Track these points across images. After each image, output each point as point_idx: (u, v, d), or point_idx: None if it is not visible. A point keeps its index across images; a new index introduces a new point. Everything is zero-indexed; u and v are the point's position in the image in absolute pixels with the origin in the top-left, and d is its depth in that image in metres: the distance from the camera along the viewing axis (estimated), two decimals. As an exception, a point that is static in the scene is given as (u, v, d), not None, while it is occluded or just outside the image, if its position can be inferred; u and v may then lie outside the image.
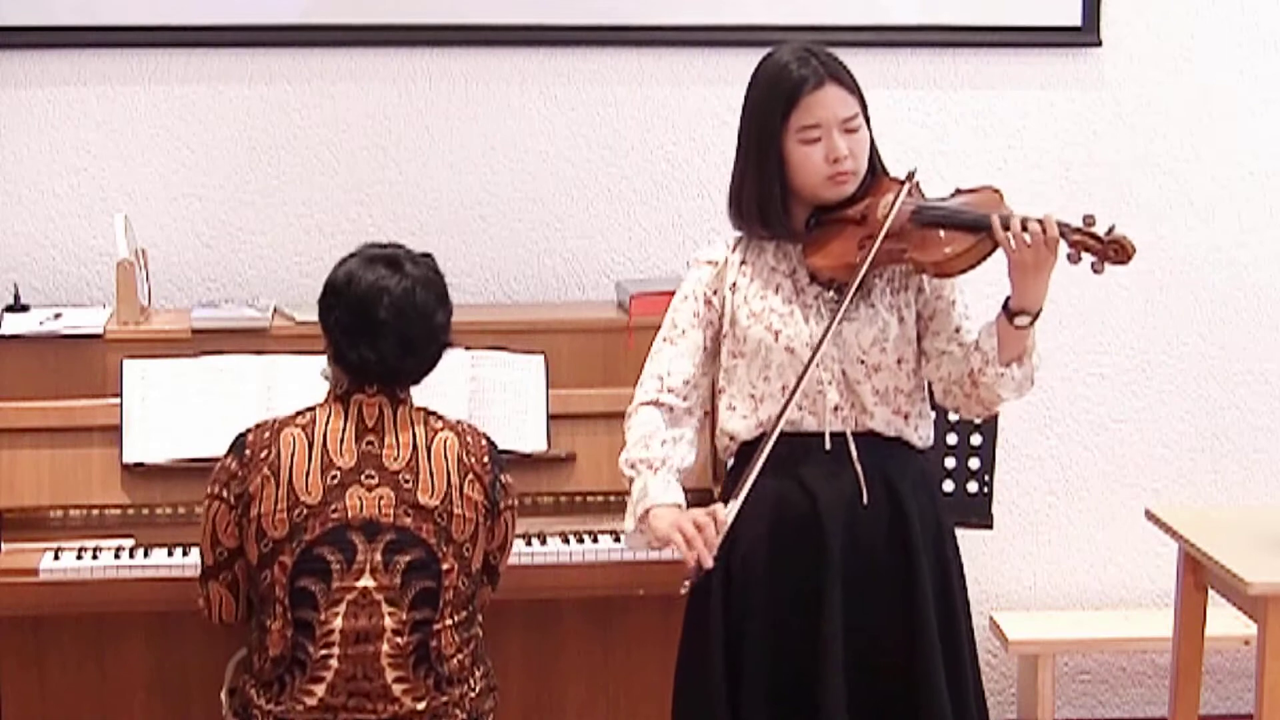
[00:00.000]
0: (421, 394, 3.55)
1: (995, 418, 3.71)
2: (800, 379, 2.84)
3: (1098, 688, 4.52)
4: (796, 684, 2.87)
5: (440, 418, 3.04)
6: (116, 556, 3.43)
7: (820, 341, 2.84)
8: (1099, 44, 4.29)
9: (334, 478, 2.91)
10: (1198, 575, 3.50)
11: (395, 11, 4.12)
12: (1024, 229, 2.75)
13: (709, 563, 2.75)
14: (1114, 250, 2.76)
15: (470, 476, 2.98)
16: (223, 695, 3.12)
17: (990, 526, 3.80)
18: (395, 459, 2.94)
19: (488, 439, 3.07)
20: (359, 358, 2.94)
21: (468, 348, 3.67)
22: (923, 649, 2.87)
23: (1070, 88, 4.33)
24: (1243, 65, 4.36)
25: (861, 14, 4.22)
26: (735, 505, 2.80)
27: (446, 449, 2.98)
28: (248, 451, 2.95)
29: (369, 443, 2.94)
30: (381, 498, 2.91)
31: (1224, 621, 3.92)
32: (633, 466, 2.91)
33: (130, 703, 3.66)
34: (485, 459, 3.02)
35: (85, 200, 4.11)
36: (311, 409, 2.99)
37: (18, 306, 3.87)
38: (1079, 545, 4.45)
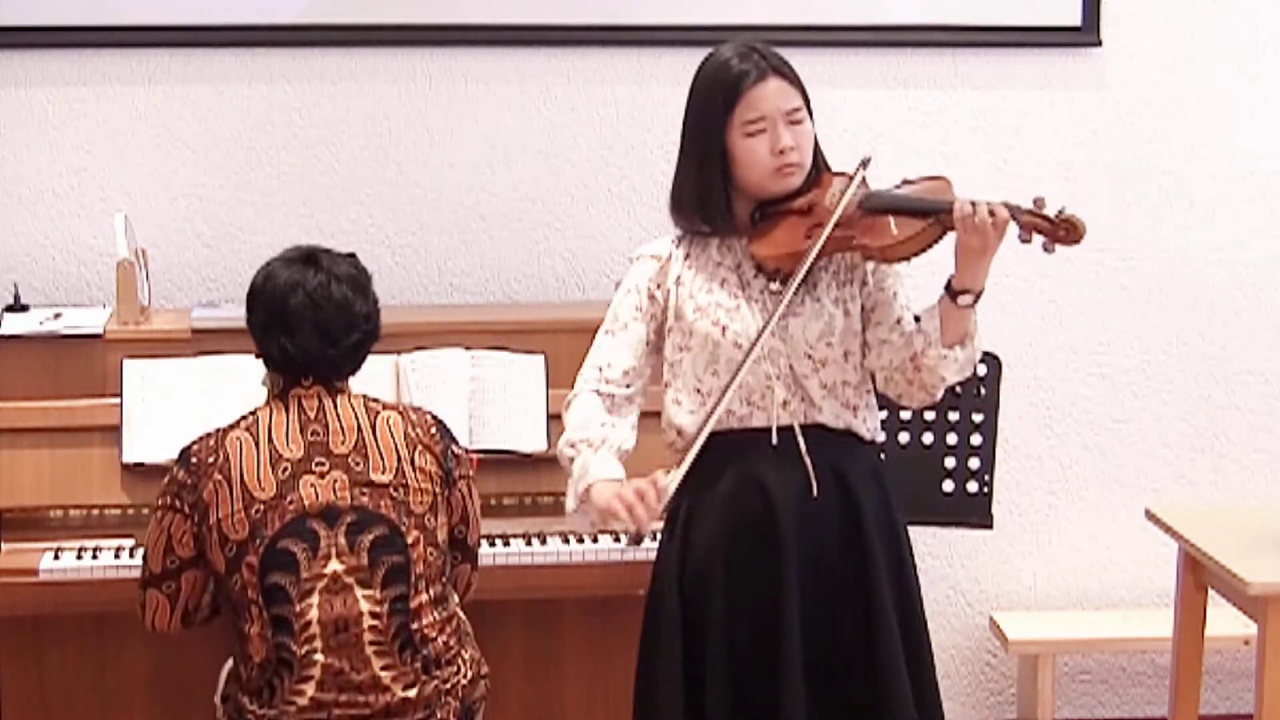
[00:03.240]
0: (423, 394, 3.56)
1: (995, 417, 3.71)
2: (736, 372, 2.82)
3: (1098, 688, 4.52)
4: (757, 686, 2.86)
5: (380, 401, 3.06)
6: (116, 556, 3.42)
7: (763, 330, 2.83)
8: (1099, 44, 4.29)
9: (285, 470, 2.93)
10: (1198, 575, 3.50)
11: (395, 11, 4.12)
12: (975, 213, 2.75)
13: (647, 530, 2.74)
14: (1065, 230, 2.73)
15: (419, 448, 3.00)
16: (216, 700, 3.12)
17: (990, 526, 3.79)
18: (342, 443, 2.96)
19: (433, 415, 3.09)
20: (278, 349, 2.97)
21: (468, 348, 3.67)
22: (882, 643, 2.86)
23: (1070, 88, 4.33)
24: (1243, 65, 4.36)
25: (861, 14, 4.21)
26: (677, 474, 2.79)
27: (391, 426, 3.00)
28: (194, 460, 2.96)
29: (314, 432, 2.96)
30: (335, 481, 2.93)
31: (1224, 621, 3.91)
32: (573, 446, 2.89)
33: (130, 703, 3.66)
34: (432, 430, 3.04)
35: (85, 200, 4.11)
36: (254, 412, 3.01)
37: (18, 306, 3.87)
38: (1079, 545, 4.45)
